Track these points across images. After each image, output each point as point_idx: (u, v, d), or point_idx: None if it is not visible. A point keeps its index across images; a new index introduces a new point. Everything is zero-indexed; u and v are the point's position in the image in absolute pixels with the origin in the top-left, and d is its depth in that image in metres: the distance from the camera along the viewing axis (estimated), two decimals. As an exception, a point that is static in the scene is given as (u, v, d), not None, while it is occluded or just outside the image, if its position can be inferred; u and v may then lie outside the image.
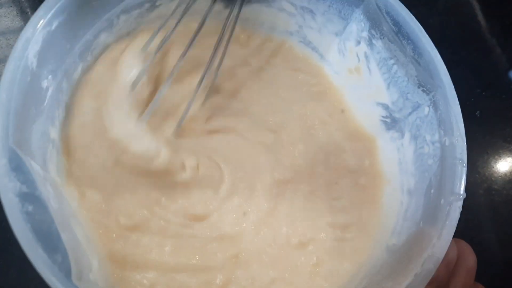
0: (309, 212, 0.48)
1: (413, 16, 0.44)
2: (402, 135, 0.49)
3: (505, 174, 0.61)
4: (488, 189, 0.59)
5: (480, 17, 0.73)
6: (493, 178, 0.60)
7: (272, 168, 0.49)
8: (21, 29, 0.56)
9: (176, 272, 0.43)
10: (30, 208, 0.33)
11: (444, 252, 0.36)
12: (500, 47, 0.70)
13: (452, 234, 0.37)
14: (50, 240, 0.34)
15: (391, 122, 0.50)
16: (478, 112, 0.64)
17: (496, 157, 0.62)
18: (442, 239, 0.37)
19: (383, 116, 0.51)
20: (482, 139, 0.63)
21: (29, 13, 0.58)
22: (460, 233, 0.43)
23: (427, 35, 0.43)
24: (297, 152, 0.50)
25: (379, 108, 0.51)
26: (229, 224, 0.46)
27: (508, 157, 0.62)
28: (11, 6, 0.57)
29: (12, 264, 0.47)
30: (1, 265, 0.47)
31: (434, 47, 0.43)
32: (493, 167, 0.61)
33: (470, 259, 0.40)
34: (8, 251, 0.47)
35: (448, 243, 0.37)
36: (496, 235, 0.57)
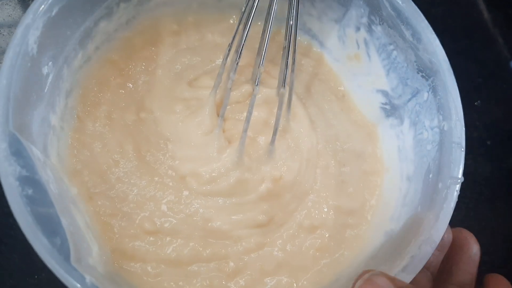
0: (322, 191, 0.49)
1: (411, 1, 0.44)
2: (402, 122, 0.49)
3: (506, 164, 0.61)
4: (489, 178, 0.59)
5: (483, 7, 0.72)
6: (493, 168, 0.60)
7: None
8: (22, 17, 0.56)
9: (184, 264, 0.44)
10: (30, 191, 0.33)
11: (441, 235, 0.37)
12: (502, 37, 0.70)
13: (449, 217, 0.37)
14: (50, 224, 0.34)
15: (391, 109, 0.50)
16: (478, 101, 0.64)
17: (496, 146, 0.61)
18: (439, 222, 0.37)
19: (382, 103, 0.51)
20: (483, 128, 0.62)
21: (30, 2, 0.58)
22: (460, 222, 0.44)
23: (426, 20, 0.43)
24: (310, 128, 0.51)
25: (378, 95, 0.51)
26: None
27: (509, 146, 0.62)
28: (12, -5, 0.58)
29: (15, 249, 0.47)
30: (4, 250, 0.47)
31: (433, 32, 0.43)
32: (494, 157, 0.61)
33: (474, 247, 0.40)
34: (11, 236, 0.47)
35: (445, 226, 0.37)
36: (496, 224, 0.57)
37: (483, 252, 0.42)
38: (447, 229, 0.38)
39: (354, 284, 0.33)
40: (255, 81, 0.43)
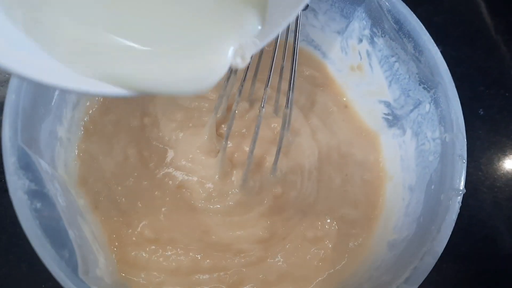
0: (325, 203, 0.49)
1: (413, 14, 0.44)
2: (404, 132, 0.49)
3: (508, 172, 0.61)
4: (491, 186, 0.59)
5: (485, 15, 0.72)
6: (495, 176, 0.60)
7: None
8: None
9: (185, 274, 0.44)
10: (38, 205, 0.34)
11: (443, 246, 0.37)
12: (505, 44, 0.70)
13: (451, 228, 0.38)
14: (58, 236, 0.35)
15: (393, 119, 0.51)
16: (481, 109, 0.64)
17: (499, 154, 0.62)
18: (441, 234, 0.37)
19: (385, 114, 0.51)
20: (486, 136, 0.63)
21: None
22: (464, 229, 0.44)
23: (427, 33, 0.44)
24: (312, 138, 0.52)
25: (381, 105, 0.51)
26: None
27: (511, 154, 0.62)
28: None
29: (23, 258, 0.48)
30: (12, 259, 0.48)
31: (435, 44, 0.43)
32: (496, 165, 0.61)
33: None
34: (19, 246, 0.48)
35: (447, 238, 0.37)
36: (499, 231, 0.57)
37: (486, 261, 0.42)
38: None
39: None
40: (261, 102, 0.43)
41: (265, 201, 0.47)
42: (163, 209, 0.46)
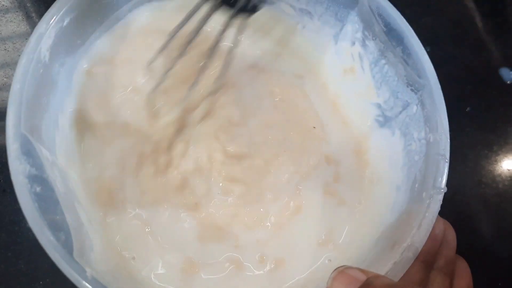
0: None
1: (403, 18, 0.45)
2: (393, 133, 0.50)
3: (495, 168, 0.62)
4: (479, 182, 0.60)
5: (474, 15, 0.73)
6: (483, 172, 0.61)
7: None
8: (26, 33, 0.58)
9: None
10: (38, 189, 0.36)
11: (423, 243, 0.38)
12: (492, 44, 0.71)
13: (432, 225, 0.39)
14: (55, 220, 0.36)
15: (383, 121, 0.52)
16: (469, 108, 0.65)
17: (486, 151, 0.62)
18: (421, 230, 0.38)
19: (376, 115, 0.52)
20: (473, 134, 0.63)
21: (34, 17, 0.60)
22: (452, 224, 0.45)
23: (416, 36, 0.45)
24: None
25: (373, 107, 0.52)
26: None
27: (498, 151, 0.63)
28: (17, 11, 0.59)
29: (21, 255, 0.49)
30: (10, 256, 0.49)
31: (422, 47, 0.45)
32: (484, 161, 0.62)
33: (450, 234, 0.43)
34: (17, 243, 0.49)
35: (428, 234, 0.38)
36: (487, 226, 0.58)
37: (473, 256, 0.44)
38: (439, 222, 0.41)
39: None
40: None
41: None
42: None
